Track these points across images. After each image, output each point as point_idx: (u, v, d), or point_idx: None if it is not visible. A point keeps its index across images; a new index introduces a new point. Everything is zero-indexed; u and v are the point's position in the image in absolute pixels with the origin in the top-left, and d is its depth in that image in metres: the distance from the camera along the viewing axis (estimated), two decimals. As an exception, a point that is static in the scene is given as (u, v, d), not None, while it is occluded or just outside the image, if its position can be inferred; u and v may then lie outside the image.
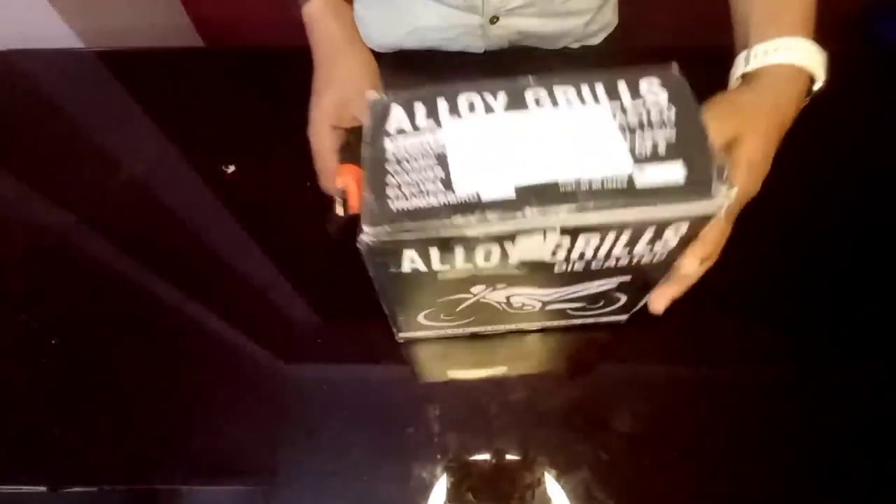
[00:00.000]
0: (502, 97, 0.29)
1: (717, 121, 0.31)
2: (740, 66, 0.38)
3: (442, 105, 0.29)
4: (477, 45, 0.60)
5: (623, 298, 0.37)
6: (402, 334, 0.41)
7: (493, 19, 0.56)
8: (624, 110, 0.28)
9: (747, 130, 0.33)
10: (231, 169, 0.53)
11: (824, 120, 0.54)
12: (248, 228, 0.49)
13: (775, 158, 0.34)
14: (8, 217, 0.51)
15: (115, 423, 0.40)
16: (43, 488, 0.38)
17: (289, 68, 0.62)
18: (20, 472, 0.39)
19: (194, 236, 0.50)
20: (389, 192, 0.27)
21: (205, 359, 0.43)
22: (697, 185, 0.26)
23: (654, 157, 0.27)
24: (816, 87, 0.37)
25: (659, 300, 0.36)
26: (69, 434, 0.40)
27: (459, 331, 0.41)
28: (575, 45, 0.63)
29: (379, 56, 0.64)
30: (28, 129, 0.56)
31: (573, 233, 0.27)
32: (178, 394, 0.42)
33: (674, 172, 0.26)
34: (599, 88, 0.29)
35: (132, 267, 0.47)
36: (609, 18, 0.66)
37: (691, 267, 0.31)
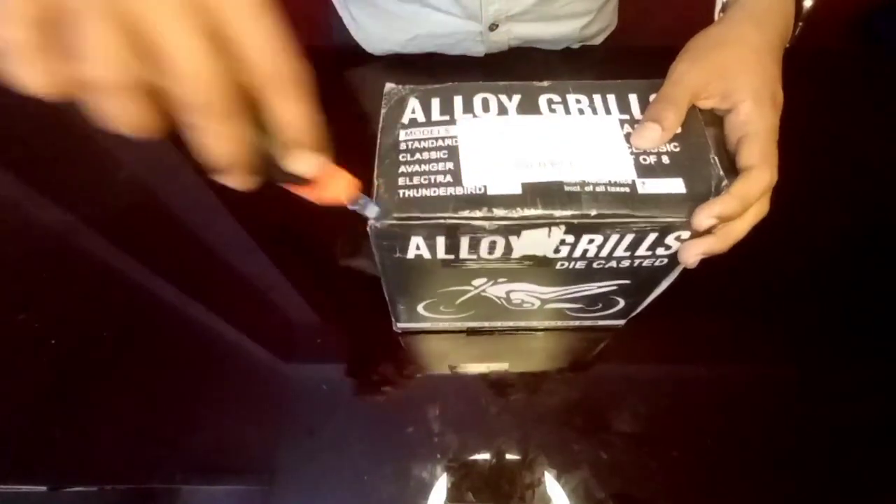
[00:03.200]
0: (517, 100, 0.30)
1: (696, 63, 0.30)
2: (717, 2, 0.36)
3: (457, 102, 0.30)
4: (477, 49, 0.60)
5: (621, 303, 0.38)
6: (400, 325, 0.42)
7: (493, 26, 0.56)
8: (633, 123, 0.29)
9: (730, 63, 0.30)
10: (231, 169, 0.53)
11: (824, 120, 0.54)
12: (248, 228, 0.49)
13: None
14: (8, 217, 0.51)
15: (115, 423, 0.40)
16: (43, 488, 0.38)
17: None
18: (20, 472, 0.38)
19: (194, 236, 0.50)
20: (401, 181, 0.27)
21: (205, 359, 0.43)
22: (698, 196, 0.27)
23: (657, 170, 0.28)
24: (807, 3, 0.34)
25: (689, 250, 0.29)
26: (69, 434, 0.40)
27: (458, 324, 0.42)
28: (575, 46, 0.63)
29: (378, 57, 0.64)
30: (28, 129, 0.56)
31: (577, 231, 0.28)
32: (178, 394, 0.42)
33: (674, 186, 0.27)
34: (611, 100, 0.30)
35: (132, 267, 0.47)
36: (609, 19, 0.66)
37: (702, 221, 0.27)
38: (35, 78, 0.18)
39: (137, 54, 0.17)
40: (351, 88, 0.60)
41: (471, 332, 0.43)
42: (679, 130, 0.29)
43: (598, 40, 0.66)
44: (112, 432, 0.40)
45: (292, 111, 0.20)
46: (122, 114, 0.18)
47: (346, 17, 0.65)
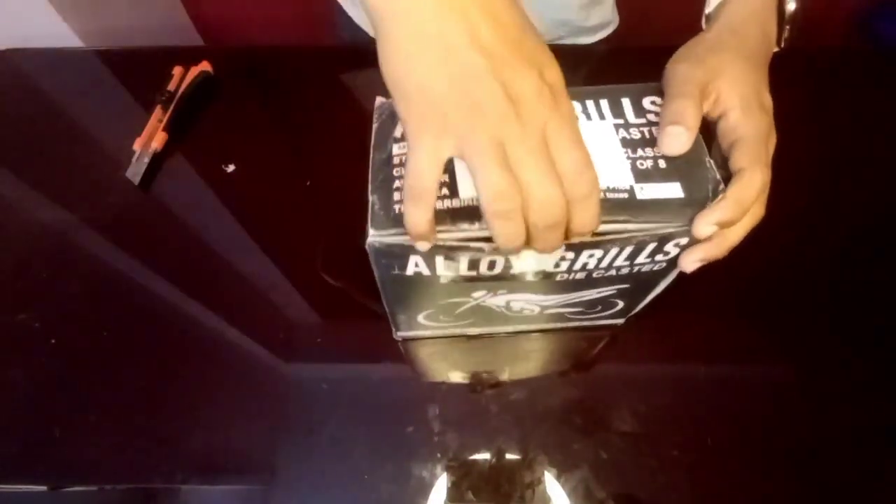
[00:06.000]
0: None
1: (694, 64, 0.30)
2: (704, 11, 0.36)
3: None
4: None
5: (620, 304, 0.38)
6: (400, 333, 0.42)
7: None
8: (627, 127, 0.29)
9: (720, 68, 0.30)
10: (231, 168, 0.53)
11: (824, 120, 0.54)
12: (248, 228, 0.49)
13: (776, 158, 0.34)
14: (8, 217, 0.51)
15: (115, 423, 0.40)
16: (43, 488, 0.38)
17: (289, 67, 0.62)
18: (20, 472, 0.39)
19: (194, 236, 0.49)
20: (396, 196, 0.27)
21: (205, 358, 0.43)
22: (697, 201, 0.27)
23: (655, 175, 0.27)
24: (790, 7, 0.34)
25: (687, 257, 0.30)
26: (69, 434, 0.40)
27: (458, 331, 0.42)
28: (570, 42, 0.63)
29: (372, 52, 0.64)
30: (28, 129, 0.56)
31: (577, 247, 0.28)
32: (178, 394, 0.42)
33: (672, 191, 0.27)
34: (604, 104, 0.30)
35: (132, 266, 0.47)
36: (608, 16, 0.65)
37: (702, 230, 0.27)
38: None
39: (515, 188, 0.23)
40: (352, 89, 0.60)
41: (470, 334, 0.43)
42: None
43: (597, 37, 0.66)
44: (112, 432, 0.40)
45: (586, 219, 0.25)
46: (514, 232, 0.24)
47: (346, 2, 0.65)
